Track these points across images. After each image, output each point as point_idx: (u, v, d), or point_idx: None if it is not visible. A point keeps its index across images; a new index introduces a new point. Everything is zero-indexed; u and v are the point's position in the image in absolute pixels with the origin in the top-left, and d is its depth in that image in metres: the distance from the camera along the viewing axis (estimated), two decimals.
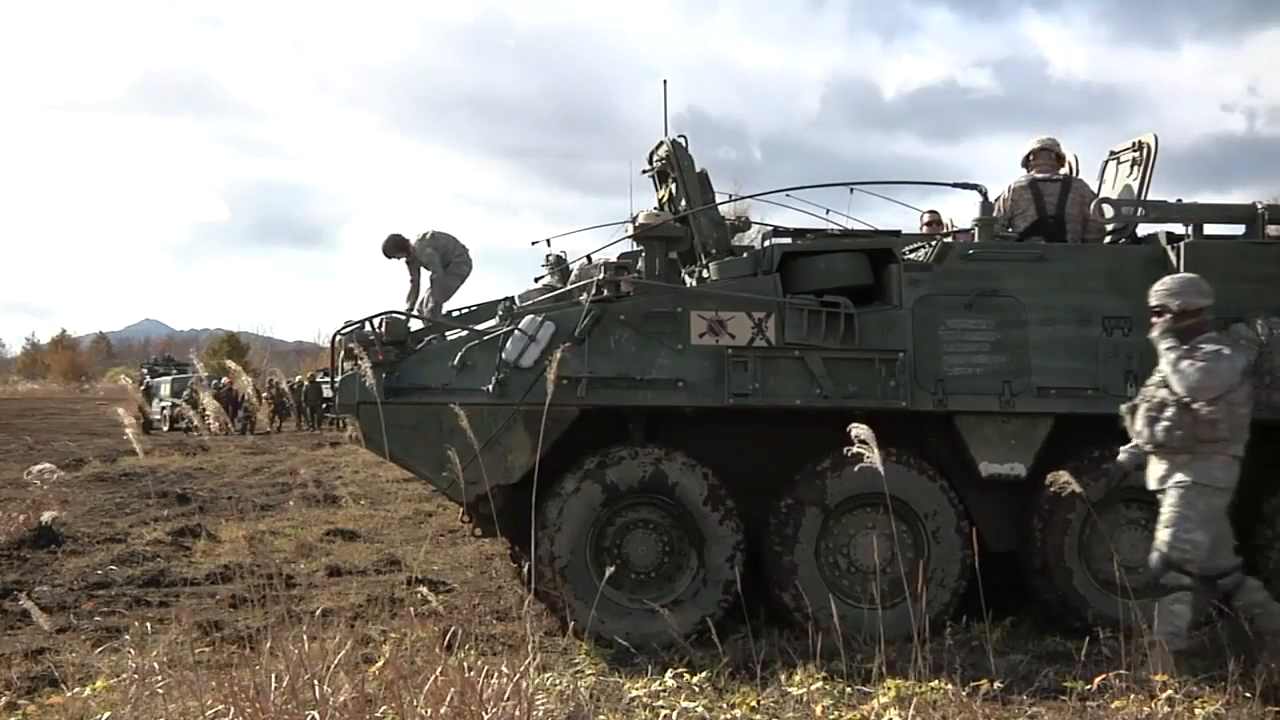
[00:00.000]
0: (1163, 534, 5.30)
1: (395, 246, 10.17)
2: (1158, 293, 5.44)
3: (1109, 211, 6.65)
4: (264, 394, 31.36)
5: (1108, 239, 6.88)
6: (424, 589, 4.16)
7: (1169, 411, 5.28)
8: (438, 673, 4.00)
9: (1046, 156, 6.94)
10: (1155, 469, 5.41)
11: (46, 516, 7.42)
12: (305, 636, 4.37)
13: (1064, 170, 7.04)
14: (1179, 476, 5.29)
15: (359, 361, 4.96)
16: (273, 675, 4.09)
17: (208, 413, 4.83)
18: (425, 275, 10.03)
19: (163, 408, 31.52)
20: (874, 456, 4.13)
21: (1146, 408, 5.38)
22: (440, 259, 9.94)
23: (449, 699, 3.87)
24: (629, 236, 7.34)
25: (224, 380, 27.11)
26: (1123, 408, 5.56)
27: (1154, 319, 5.44)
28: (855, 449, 4.24)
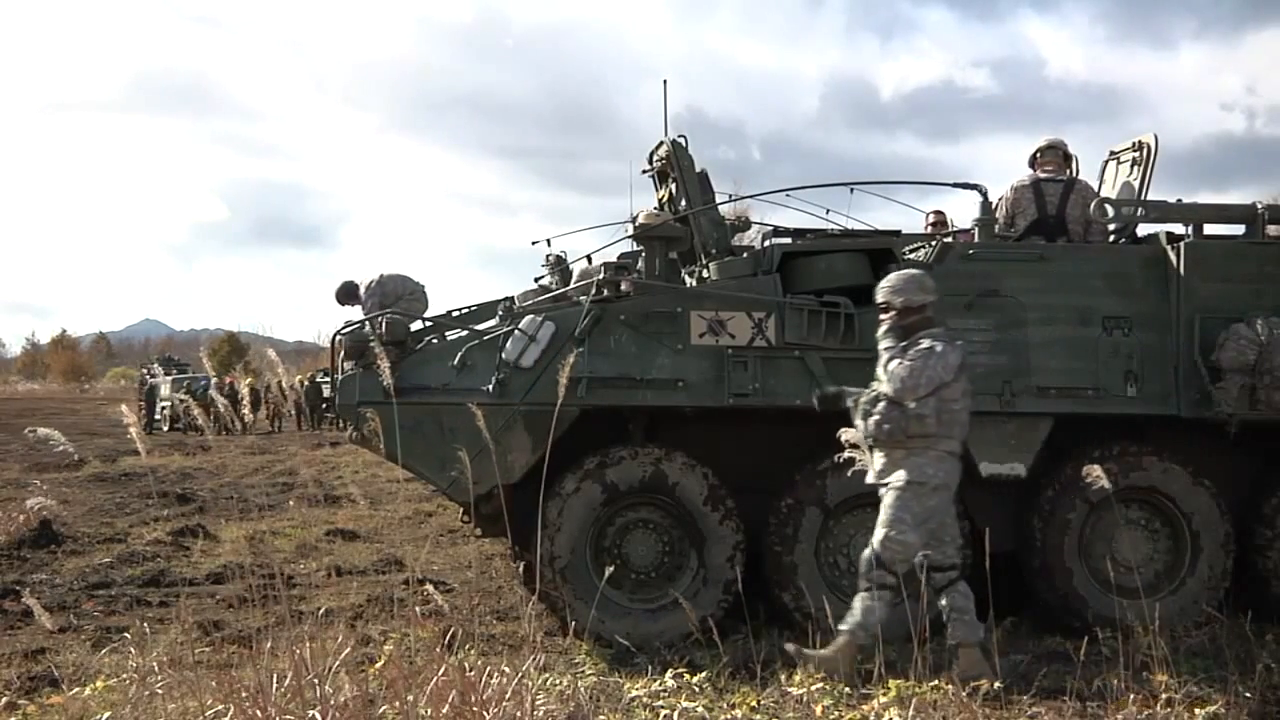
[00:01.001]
0: (878, 532, 5.30)
1: (346, 295, 10.03)
2: (882, 289, 5.47)
3: (1109, 211, 6.66)
4: (265, 393, 31.44)
5: (1108, 239, 6.88)
6: (430, 587, 4.15)
7: (880, 407, 5.29)
8: (439, 673, 4.00)
9: (1053, 155, 6.93)
10: (875, 463, 5.39)
11: (32, 503, 7.43)
12: (306, 636, 4.37)
13: (1070, 172, 7.04)
14: (895, 475, 5.29)
15: (378, 362, 4.94)
16: (274, 675, 4.10)
17: (220, 411, 4.82)
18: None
19: (163, 407, 31.52)
20: (865, 460, 4.13)
21: (863, 402, 5.39)
22: (380, 304, 9.86)
23: (450, 699, 3.87)
24: (629, 236, 7.34)
25: (226, 380, 27.11)
26: (849, 401, 5.48)
27: (880, 316, 5.47)
28: (845, 454, 4.23)
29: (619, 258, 7.47)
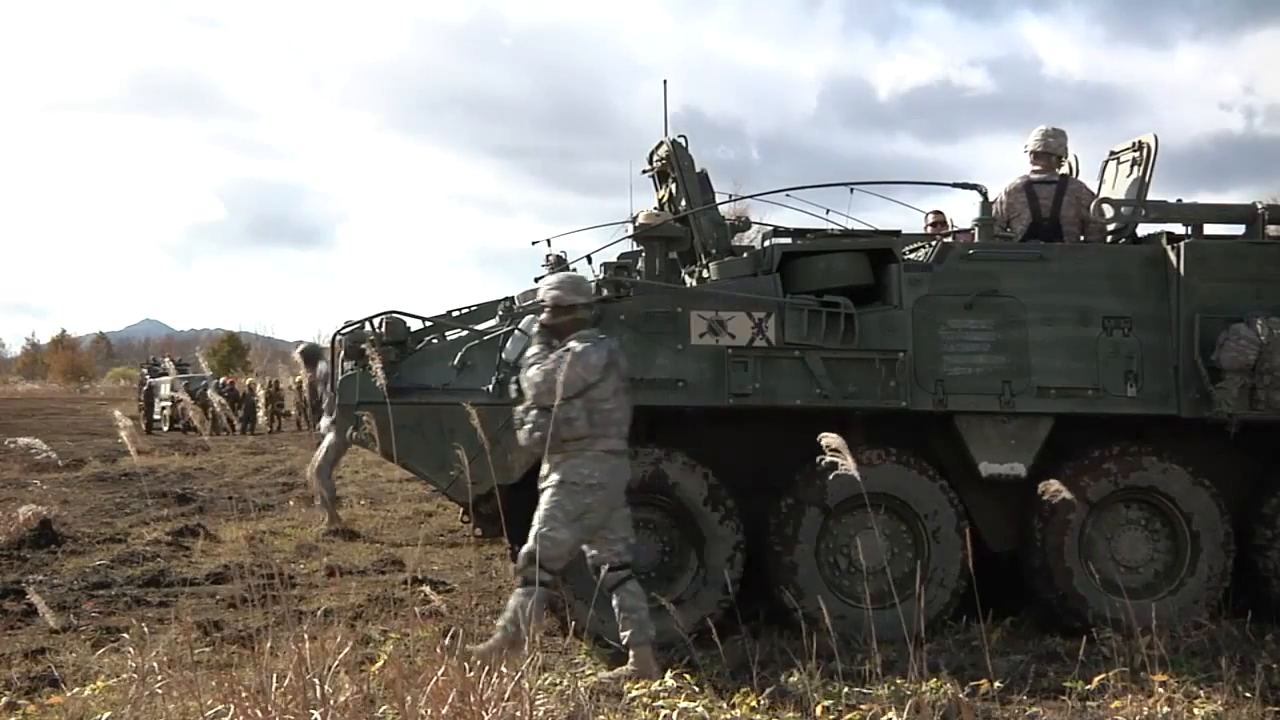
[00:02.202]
0: (533, 529, 5.36)
1: (309, 359, 9.93)
2: (540, 289, 5.59)
3: (1109, 211, 6.66)
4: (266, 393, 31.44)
5: (1107, 239, 6.89)
6: (426, 588, 4.15)
7: (531, 415, 5.37)
8: (439, 673, 4.00)
9: (1044, 160, 6.93)
10: (542, 467, 5.47)
11: (25, 509, 7.42)
12: (306, 636, 4.37)
13: (1064, 170, 7.03)
14: (551, 476, 5.37)
15: (370, 361, 4.95)
16: (273, 675, 4.10)
17: (216, 411, 4.83)
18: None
19: (163, 407, 31.53)
20: (849, 464, 4.12)
21: (518, 411, 5.47)
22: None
23: (449, 699, 3.87)
24: (629, 236, 7.34)
25: (224, 380, 27.10)
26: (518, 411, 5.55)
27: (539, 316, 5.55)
28: (828, 458, 4.20)
29: (619, 258, 7.47)
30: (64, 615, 6.96)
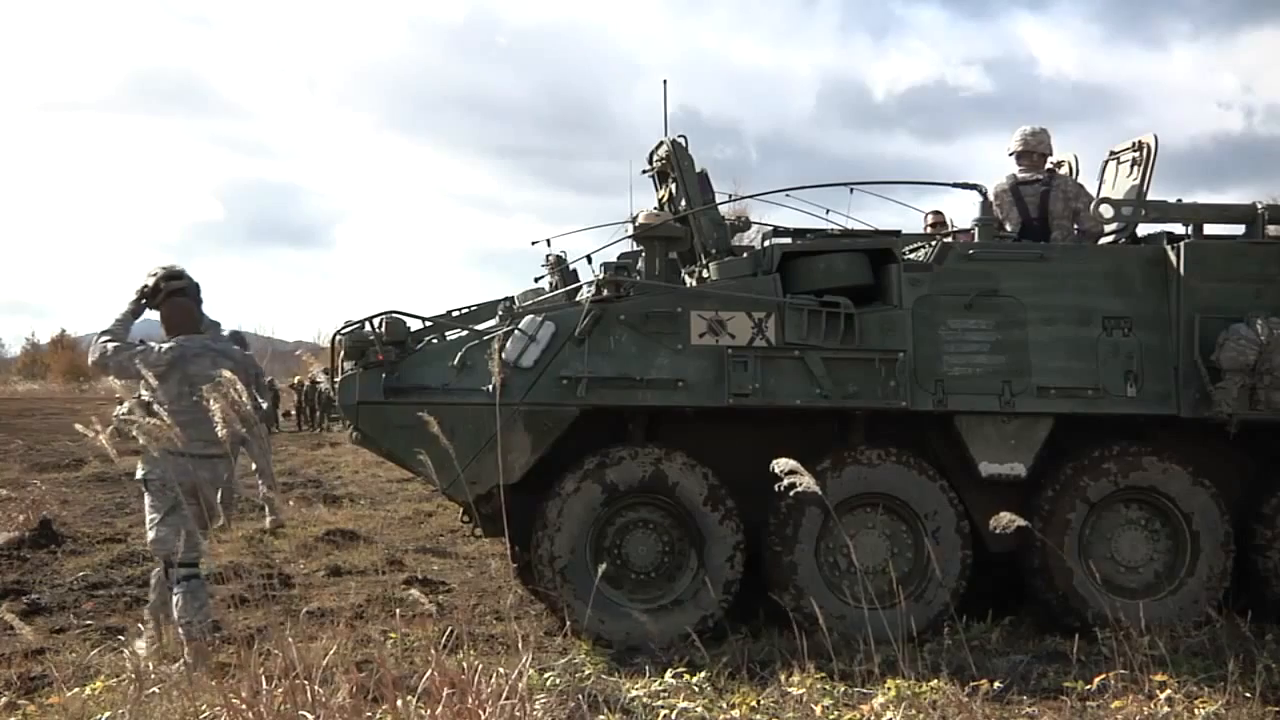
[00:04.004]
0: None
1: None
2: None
3: (1109, 211, 6.65)
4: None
5: (1106, 239, 6.88)
6: (414, 591, 4.15)
7: (125, 411, 5.42)
8: (436, 674, 3.99)
9: (1028, 159, 6.92)
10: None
11: (19, 517, 7.46)
12: (304, 636, 4.36)
13: (1050, 166, 7.02)
14: (138, 473, 5.69)
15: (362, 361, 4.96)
16: (273, 675, 4.09)
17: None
18: None
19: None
20: (807, 480, 4.10)
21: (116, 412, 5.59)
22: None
23: (447, 700, 3.86)
24: (629, 236, 7.33)
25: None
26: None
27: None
28: (786, 481, 4.17)
29: (619, 258, 7.47)
30: (64, 615, 6.97)
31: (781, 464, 4.16)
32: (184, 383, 5.55)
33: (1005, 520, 4.52)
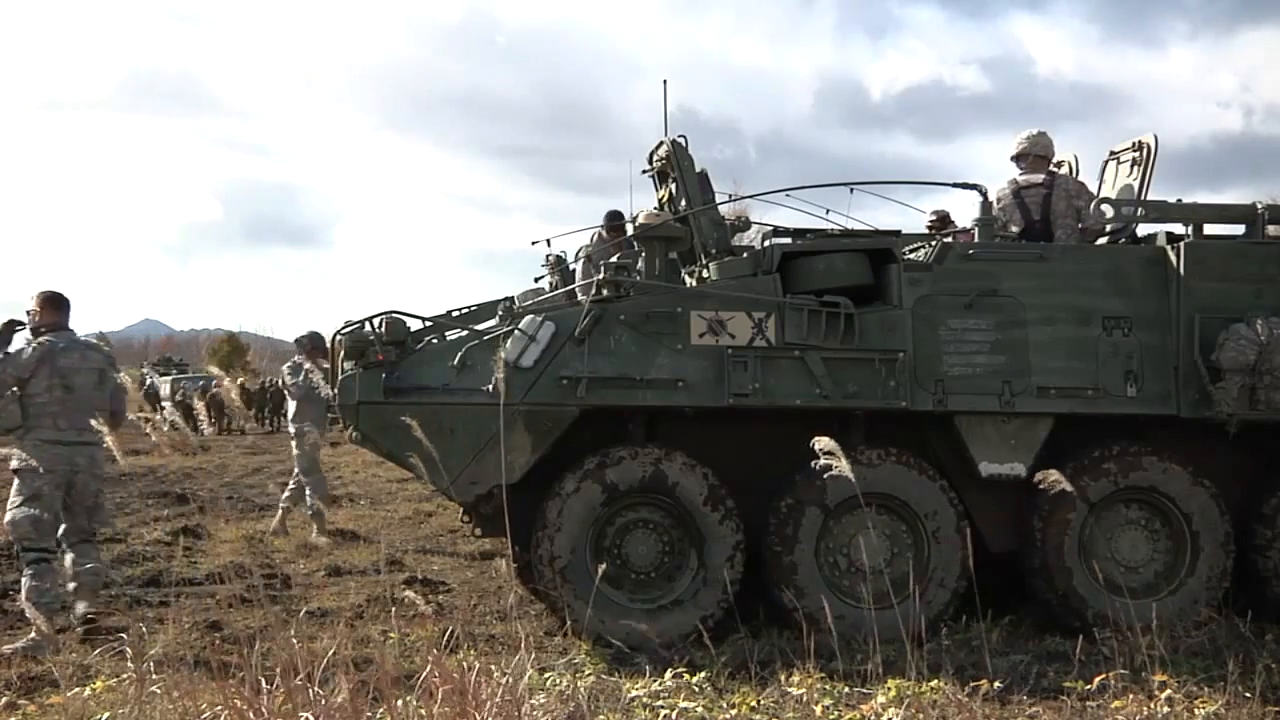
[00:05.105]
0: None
1: (312, 344, 10.23)
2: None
3: (1109, 211, 6.65)
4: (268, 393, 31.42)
5: (1105, 239, 6.88)
6: (410, 593, 4.14)
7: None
8: (436, 673, 3.99)
9: (1029, 161, 6.93)
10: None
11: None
12: (304, 636, 4.36)
13: (1052, 167, 7.03)
14: (13, 463, 6.05)
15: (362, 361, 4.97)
16: (272, 675, 4.09)
17: (199, 416, 5.00)
18: None
19: (163, 408, 31.61)
20: (843, 466, 4.11)
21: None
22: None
23: (447, 699, 3.86)
24: (629, 236, 7.33)
25: (216, 381, 27.09)
26: None
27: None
28: (822, 461, 4.21)
29: (619, 258, 7.47)
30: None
31: (822, 443, 4.18)
32: (54, 375, 6.21)
33: (1053, 477, 4.58)
